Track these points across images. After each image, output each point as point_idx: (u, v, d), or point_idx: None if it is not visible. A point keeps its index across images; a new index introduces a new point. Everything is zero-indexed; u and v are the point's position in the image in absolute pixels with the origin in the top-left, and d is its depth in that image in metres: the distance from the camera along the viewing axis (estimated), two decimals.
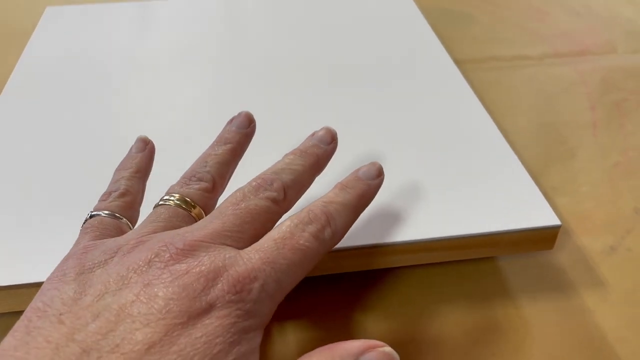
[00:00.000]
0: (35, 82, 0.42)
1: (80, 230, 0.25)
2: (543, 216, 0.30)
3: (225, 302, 0.20)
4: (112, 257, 0.21)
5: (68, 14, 0.51)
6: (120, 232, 0.25)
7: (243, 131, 0.28)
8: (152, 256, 0.21)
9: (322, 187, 0.32)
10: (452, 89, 0.41)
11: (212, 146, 0.27)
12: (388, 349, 0.20)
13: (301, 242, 0.22)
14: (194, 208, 0.25)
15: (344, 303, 0.30)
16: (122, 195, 0.26)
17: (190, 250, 0.21)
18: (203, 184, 0.25)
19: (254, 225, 0.23)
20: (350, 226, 0.24)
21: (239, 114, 0.29)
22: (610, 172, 0.39)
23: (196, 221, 0.24)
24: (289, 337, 0.29)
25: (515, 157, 0.34)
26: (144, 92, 0.41)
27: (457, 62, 0.44)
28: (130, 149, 0.29)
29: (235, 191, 0.24)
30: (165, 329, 0.19)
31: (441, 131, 0.36)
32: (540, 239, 0.30)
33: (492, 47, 0.54)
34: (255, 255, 0.21)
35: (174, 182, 0.26)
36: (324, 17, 0.51)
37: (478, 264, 0.32)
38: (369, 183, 0.25)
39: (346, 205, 0.24)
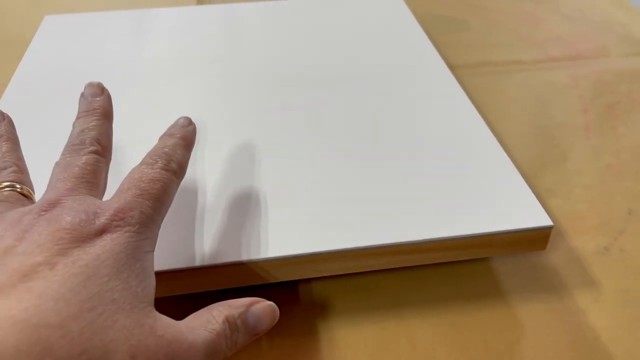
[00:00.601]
0: (33, 90, 0.42)
1: None
2: (535, 217, 0.30)
3: (114, 227, 0.22)
4: None
5: (66, 23, 0.52)
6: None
7: (5, 121, 0.29)
8: (19, 217, 0.21)
9: (321, 184, 0.32)
10: (447, 93, 0.41)
11: None
12: (271, 302, 0.25)
13: (156, 175, 0.25)
14: (21, 188, 0.25)
15: (337, 305, 0.31)
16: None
17: (56, 202, 0.22)
18: (10, 169, 0.26)
19: (95, 175, 0.25)
20: (187, 161, 0.28)
21: None
22: (603, 174, 0.40)
23: (29, 197, 0.25)
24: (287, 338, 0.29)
25: (508, 159, 0.35)
26: (142, 101, 0.41)
27: (451, 67, 0.45)
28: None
29: (55, 165, 0.25)
30: (63, 252, 0.20)
31: (435, 134, 0.37)
32: (533, 240, 0.30)
33: (486, 52, 0.54)
34: (123, 194, 0.23)
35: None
36: (318, 24, 0.51)
37: (471, 265, 0.33)
38: (187, 129, 0.29)
39: (177, 144, 0.27)
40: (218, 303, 0.24)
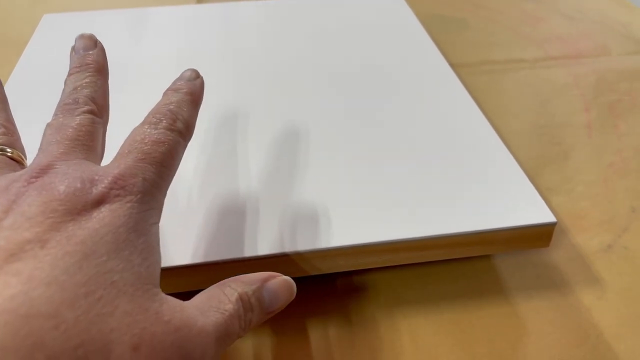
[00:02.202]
0: (31, 89, 0.42)
1: None
2: (539, 213, 0.30)
3: (113, 197, 0.19)
4: None
5: (65, 22, 0.51)
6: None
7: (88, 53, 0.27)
8: (6, 184, 0.19)
9: (319, 183, 0.32)
10: (449, 91, 0.41)
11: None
12: (287, 277, 0.23)
13: (160, 137, 0.22)
14: (11, 152, 0.23)
15: (338, 302, 0.30)
16: None
17: (48, 168, 0.20)
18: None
19: (91, 137, 0.23)
20: (195, 120, 0.25)
21: None
22: (605, 172, 0.40)
23: (21, 164, 0.23)
24: (286, 336, 0.29)
25: (511, 156, 0.34)
26: (141, 99, 0.41)
27: (453, 66, 0.45)
28: None
29: (47, 126, 0.23)
30: (56, 227, 0.17)
31: (438, 132, 0.37)
32: (536, 237, 0.30)
33: (487, 51, 0.54)
34: (123, 159, 0.21)
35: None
36: (320, 24, 0.51)
37: (474, 262, 0.32)
38: (193, 83, 0.26)
39: (183, 101, 0.25)
40: (230, 279, 0.22)
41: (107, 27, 0.51)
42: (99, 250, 0.17)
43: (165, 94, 0.25)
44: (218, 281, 0.28)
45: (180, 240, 0.28)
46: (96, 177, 0.19)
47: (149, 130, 0.22)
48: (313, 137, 0.36)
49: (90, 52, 0.27)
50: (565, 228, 0.35)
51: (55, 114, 0.24)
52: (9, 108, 0.26)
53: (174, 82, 0.26)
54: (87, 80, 0.25)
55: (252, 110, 0.39)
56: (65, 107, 0.24)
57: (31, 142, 0.25)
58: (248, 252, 0.28)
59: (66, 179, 0.19)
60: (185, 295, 0.21)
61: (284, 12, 0.53)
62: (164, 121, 0.23)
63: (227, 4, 0.55)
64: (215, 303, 0.20)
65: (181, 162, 0.26)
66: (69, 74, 0.26)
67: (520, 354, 0.28)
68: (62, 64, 0.46)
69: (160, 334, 0.18)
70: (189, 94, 0.25)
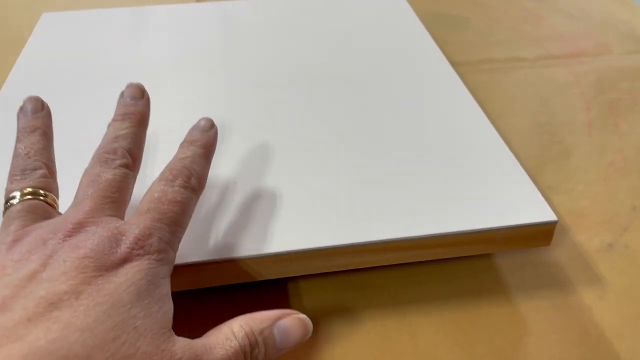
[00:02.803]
0: (30, 88, 0.42)
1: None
2: (540, 212, 0.30)
3: (135, 256, 0.22)
4: None
5: (64, 20, 0.51)
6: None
7: (40, 114, 0.28)
8: (44, 239, 0.22)
9: (324, 183, 0.32)
10: (449, 90, 0.41)
11: (21, 139, 0.27)
12: (302, 315, 0.25)
13: (176, 196, 0.24)
14: (46, 196, 0.25)
15: (337, 300, 0.30)
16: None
17: (80, 226, 0.22)
18: (39, 172, 0.25)
19: (121, 193, 0.25)
20: (207, 172, 0.27)
21: (31, 102, 0.28)
22: (606, 171, 0.39)
23: (54, 207, 0.25)
24: None
25: (512, 155, 0.34)
26: None
27: (453, 65, 0.44)
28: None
29: (85, 174, 0.25)
30: (88, 281, 0.20)
31: (438, 130, 0.36)
32: (537, 235, 0.30)
33: (487, 49, 0.54)
34: (141, 218, 0.23)
35: None
36: (320, 23, 0.51)
37: (474, 261, 0.32)
38: (207, 134, 0.28)
39: (197, 155, 0.27)
40: (243, 316, 0.24)
41: (106, 25, 0.51)
42: (124, 299, 0.20)
43: (181, 146, 0.28)
44: (217, 281, 0.28)
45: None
46: (120, 237, 0.22)
47: (165, 187, 0.25)
48: (313, 136, 0.36)
49: (136, 102, 0.28)
50: (566, 227, 0.35)
51: (94, 160, 0.26)
52: (52, 144, 0.27)
53: (190, 132, 0.28)
54: (127, 130, 0.27)
55: (251, 110, 0.39)
56: (103, 156, 0.26)
57: None
58: (243, 252, 0.28)
59: (96, 239, 0.22)
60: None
61: (284, 10, 0.53)
62: (180, 179, 0.25)
63: (227, 3, 0.55)
64: (222, 340, 0.22)
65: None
66: (113, 120, 0.28)
67: (521, 354, 0.28)
68: (60, 63, 0.46)
69: None
70: (203, 147, 0.27)
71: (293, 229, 0.29)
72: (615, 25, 0.59)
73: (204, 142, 0.28)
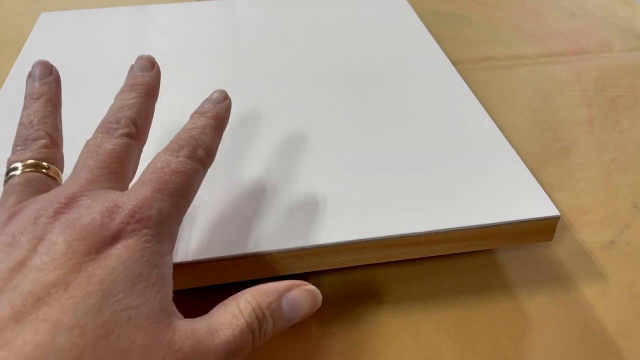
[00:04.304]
0: None
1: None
2: (542, 207, 0.30)
3: (130, 232, 0.20)
4: None
5: (63, 20, 0.51)
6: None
7: (47, 79, 0.27)
8: (35, 217, 0.20)
9: (322, 180, 0.32)
10: (451, 88, 0.41)
11: (26, 106, 0.26)
12: (311, 286, 0.23)
13: (180, 166, 0.23)
14: (48, 168, 0.24)
15: (342, 297, 0.30)
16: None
17: (72, 201, 0.21)
18: (41, 142, 0.24)
19: (122, 164, 0.23)
20: (218, 145, 0.25)
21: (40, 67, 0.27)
22: (607, 168, 0.39)
23: (56, 180, 0.24)
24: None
25: (513, 151, 0.34)
26: None
27: (453, 63, 0.44)
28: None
29: (86, 145, 0.24)
30: (77, 268, 0.19)
31: (440, 127, 0.36)
32: (540, 231, 0.30)
33: (488, 47, 0.54)
34: (141, 189, 0.22)
35: None
36: (319, 20, 0.51)
37: (476, 258, 0.32)
38: (219, 106, 0.27)
39: (207, 126, 0.25)
40: (250, 289, 0.22)
41: (105, 25, 0.50)
42: (116, 288, 0.19)
43: (191, 117, 0.26)
44: (219, 279, 0.28)
45: (180, 239, 0.28)
46: (115, 209, 0.20)
47: (169, 157, 0.23)
48: (313, 134, 0.36)
49: (144, 74, 0.27)
50: (567, 224, 0.35)
51: (97, 131, 0.24)
52: (59, 112, 0.27)
53: (202, 104, 0.27)
54: (133, 100, 0.26)
55: (251, 109, 0.39)
56: (106, 126, 0.24)
57: None
58: (248, 249, 0.28)
59: (89, 215, 0.20)
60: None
61: (284, 10, 0.53)
62: (186, 149, 0.23)
63: (227, 2, 0.55)
64: (229, 319, 0.21)
65: None
66: (120, 91, 0.27)
67: (523, 350, 0.28)
68: (60, 63, 0.46)
69: None
70: (214, 118, 0.26)
71: (295, 227, 0.29)
72: (616, 22, 0.58)
73: (215, 113, 0.26)
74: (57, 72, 0.28)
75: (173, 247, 0.22)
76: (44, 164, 0.24)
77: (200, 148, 0.24)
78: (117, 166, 0.23)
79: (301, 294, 0.23)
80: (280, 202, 0.31)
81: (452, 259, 0.32)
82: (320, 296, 0.24)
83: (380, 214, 0.30)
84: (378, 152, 0.34)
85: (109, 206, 0.21)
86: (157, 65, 0.28)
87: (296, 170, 0.33)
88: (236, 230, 0.29)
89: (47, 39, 0.48)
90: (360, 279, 0.31)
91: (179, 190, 0.22)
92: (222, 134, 0.26)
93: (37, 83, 0.27)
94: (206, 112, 0.26)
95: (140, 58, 0.28)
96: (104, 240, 0.20)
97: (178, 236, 0.28)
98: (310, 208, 0.30)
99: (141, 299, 0.19)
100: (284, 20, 0.51)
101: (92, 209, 0.20)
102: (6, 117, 0.38)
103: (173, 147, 0.24)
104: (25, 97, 0.26)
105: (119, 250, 0.20)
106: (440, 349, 0.28)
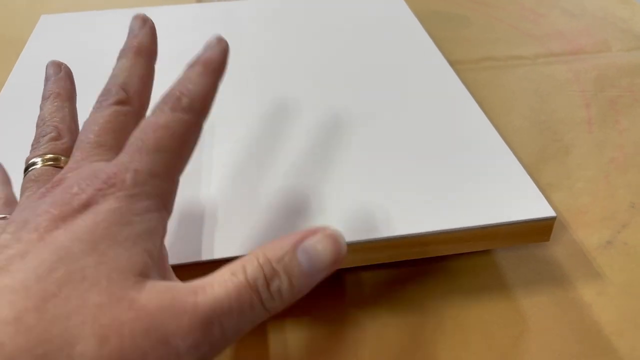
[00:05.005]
0: (30, 90, 0.42)
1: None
2: (538, 208, 0.30)
3: (101, 197, 0.19)
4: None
5: (63, 22, 0.51)
6: None
7: (56, 77, 0.27)
8: (25, 206, 0.20)
9: (320, 181, 0.32)
10: (447, 88, 0.41)
11: (41, 107, 0.26)
12: (331, 229, 0.20)
13: (158, 119, 0.21)
14: (57, 160, 0.24)
15: (339, 300, 0.30)
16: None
17: (59, 182, 0.20)
18: (47, 137, 0.25)
19: (115, 134, 0.22)
20: (211, 91, 0.23)
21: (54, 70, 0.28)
22: (605, 168, 0.39)
23: None
24: (287, 334, 0.29)
25: (510, 151, 0.34)
26: None
27: (452, 63, 0.44)
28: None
29: (83, 123, 0.23)
30: (41, 238, 0.18)
31: (436, 129, 0.36)
32: (536, 231, 0.30)
33: (487, 47, 0.54)
34: (122, 154, 0.20)
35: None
36: (317, 22, 0.51)
37: (474, 258, 0.32)
38: (212, 50, 0.24)
39: (194, 74, 0.23)
40: (261, 246, 0.20)
41: (105, 27, 0.51)
42: (74, 250, 0.18)
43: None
44: None
45: (180, 238, 0.28)
46: (92, 179, 0.19)
47: (152, 116, 0.21)
48: (312, 135, 0.36)
49: (135, 34, 0.26)
50: (565, 224, 0.35)
51: (94, 105, 0.24)
52: (71, 104, 0.26)
53: (197, 54, 0.25)
54: (122, 66, 0.25)
55: (251, 109, 0.39)
56: (99, 99, 0.24)
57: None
58: (248, 250, 0.28)
59: (65, 189, 0.19)
60: None
61: (283, 11, 0.53)
62: (168, 103, 0.21)
63: (227, 3, 0.55)
64: (226, 276, 0.19)
65: None
66: (117, 58, 0.26)
67: (521, 350, 0.28)
68: None
69: (130, 321, 0.17)
70: (202, 64, 0.23)
71: (294, 228, 0.29)
72: (615, 22, 0.59)
73: (205, 58, 0.23)
74: (67, 67, 0.28)
75: (160, 203, 0.20)
76: (63, 158, 0.24)
77: (185, 97, 0.21)
78: (107, 138, 0.22)
79: (320, 241, 0.19)
80: (279, 203, 0.31)
81: (450, 259, 0.32)
82: (343, 240, 0.20)
83: (377, 215, 0.30)
84: (373, 154, 0.34)
85: (86, 177, 0.20)
86: (150, 21, 0.26)
87: (294, 171, 0.33)
88: (236, 231, 0.29)
89: (47, 42, 0.48)
90: (357, 279, 0.31)
91: (160, 145, 0.20)
92: (216, 80, 0.23)
93: (49, 83, 0.27)
94: (195, 62, 0.23)
95: (133, 18, 0.26)
96: (72, 210, 0.19)
97: (177, 236, 0.28)
98: (309, 209, 0.30)
99: (102, 257, 0.18)
100: (283, 23, 0.51)
101: (69, 184, 0.20)
102: (6, 118, 0.38)
103: (157, 105, 0.22)
104: (41, 99, 0.27)
105: (86, 216, 0.18)
106: (438, 349, 0.28)
